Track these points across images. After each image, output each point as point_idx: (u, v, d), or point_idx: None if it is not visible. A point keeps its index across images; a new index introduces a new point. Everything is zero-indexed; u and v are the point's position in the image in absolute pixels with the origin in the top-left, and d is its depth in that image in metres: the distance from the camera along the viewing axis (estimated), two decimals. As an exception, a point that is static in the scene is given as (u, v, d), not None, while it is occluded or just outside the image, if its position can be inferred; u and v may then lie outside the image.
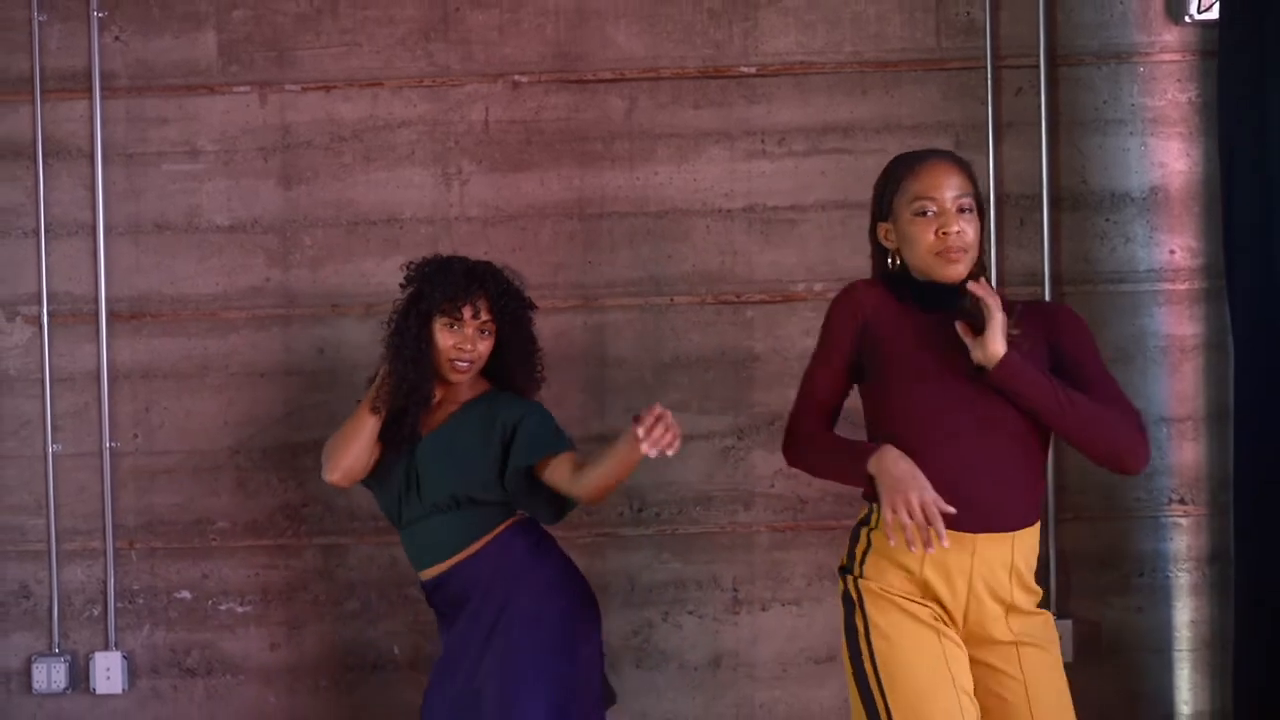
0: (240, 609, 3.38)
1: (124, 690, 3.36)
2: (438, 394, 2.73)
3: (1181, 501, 3.31)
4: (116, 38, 3.34)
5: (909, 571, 2.30)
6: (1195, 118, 3.28)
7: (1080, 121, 3.34)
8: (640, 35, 3.33)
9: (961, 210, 2.32)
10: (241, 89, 3.35)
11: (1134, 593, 3.36)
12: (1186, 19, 3.25)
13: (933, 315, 2.35)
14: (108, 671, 3.33)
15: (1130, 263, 3.34)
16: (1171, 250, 3.32)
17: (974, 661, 2.35)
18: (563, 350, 3.34)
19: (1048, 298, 3.30)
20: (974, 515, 2.27)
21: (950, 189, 2.32)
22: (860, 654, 2.32)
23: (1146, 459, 2.31)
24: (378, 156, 3.36)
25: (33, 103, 3.34)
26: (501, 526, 2.72)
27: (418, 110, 3.34)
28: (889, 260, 2.44)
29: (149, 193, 3.37)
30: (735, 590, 3.35)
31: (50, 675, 3.32)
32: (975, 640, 2.35)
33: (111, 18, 3.33)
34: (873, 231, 2.51)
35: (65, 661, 3.32)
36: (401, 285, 2.76)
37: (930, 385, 2.32)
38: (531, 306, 2.79)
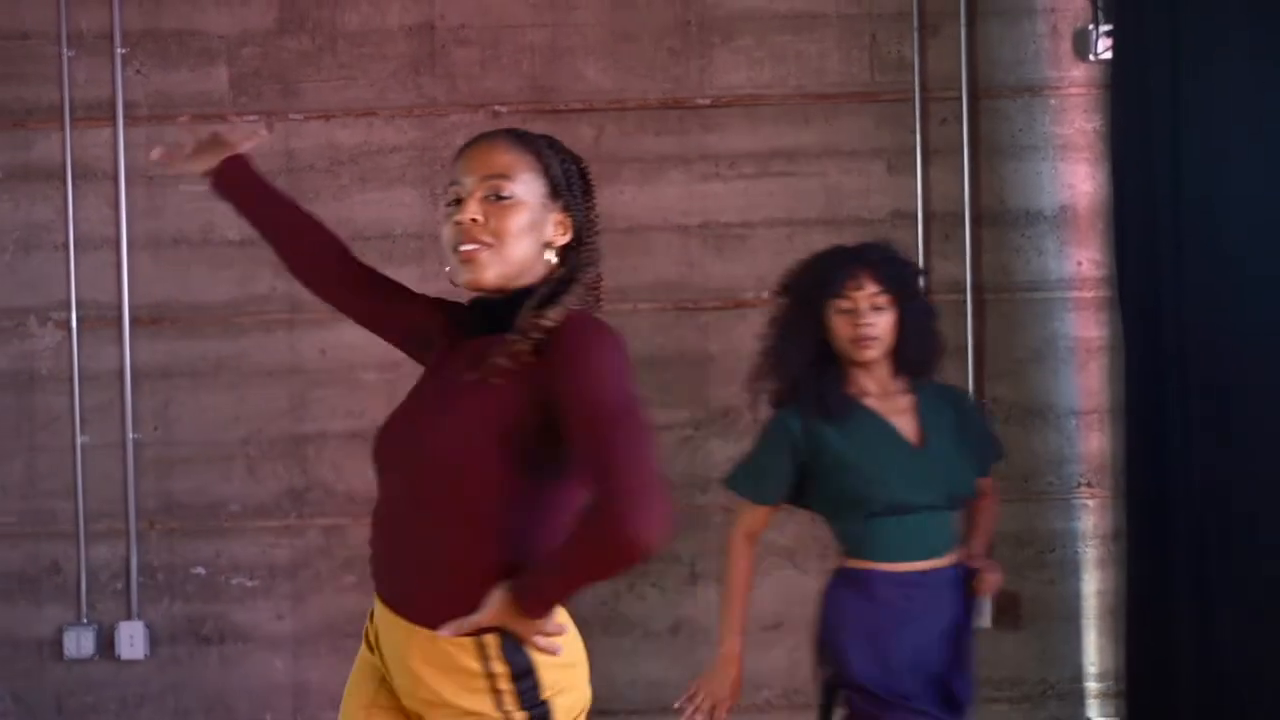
0: (250, 583, 3.66)
1: (145, 656, 3.63)
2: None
3: (1089, 485, 3.65)
4: (138, 71, 3.63)
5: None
6: (1099, 145, 3.59)
7: (998, 148, 3.66)
8: (607, 70, 3.64)
9: (489, 197, 1.73)
10: (250, 118, 3.58)
11: (1047, 567, 3.68)
12: (1091, 57, 3.58)
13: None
14: (131, 639, 3.60)
15: (1043, 273, 3.66)
16: (1079, 262, 3.66)
17: None
18: None
19: (970, 305, 3.61)
20: (379, 576, 1.80)
21: (476, 171, 1.76)
22: None
23: (647, 543, 1.57)
24: (372, 178, 3.64)
25: (62, 130, 3.61)
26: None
27: (408, 137, 3.63)
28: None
29: (167, 211, 3.65)
30: (693, 565, 3.65)
31: (79, 643, 3.59)
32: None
33: (133, 53, 3.62)
34: None
35: (93, 630, 3.61)
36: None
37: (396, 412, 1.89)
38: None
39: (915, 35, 3.62)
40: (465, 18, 3.64)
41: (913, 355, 2.57)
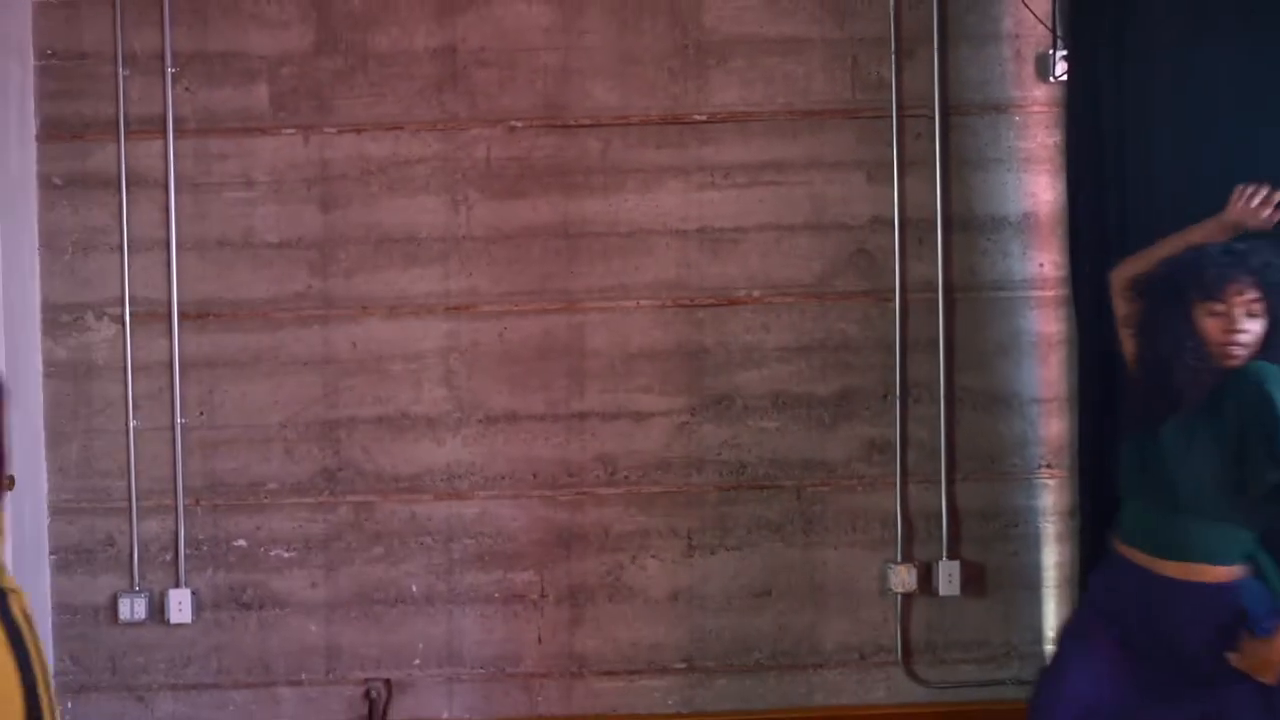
0: (286, 554, 3.83)
1: (192, 620, 3.79)
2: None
3: (1049, 466, 3.87)
4: (186, 89, 3.79)
5: None
6: (1059, 158, 3.78)
7: (967, 160, 3.84)
8: (613, 89, 3.81)
9: None
10: (289, 131, 3.80)
11: (1011, 540, 3.88)
12: (1051, 79, 3.78)
13: None
14: (179, 605, 3.78)
15: (1008, 274, 3.86)
16: (1040, 264, 3.85)
17: None
18: (549, 344, 3.81)
19: (941, 303, 3.80)
20: None
21: None
22: None
23: None
24: (399, 187, 3.80)
25: (117, 142, 3.76)
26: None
27: (432, 149, 3.79)
28: None
29: (212, 216, 3.80)
30: (689, 538, 3.85)
31: (132, 608, 3.78)
32: None
33: (182, 72, 3.77)
34: None
35: (144, 597, 3.79)
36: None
37: None
38: None
39: (892, 58, 3.80)
40: (485, 41, 3.79)
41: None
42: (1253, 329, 2.28)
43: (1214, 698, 2.19)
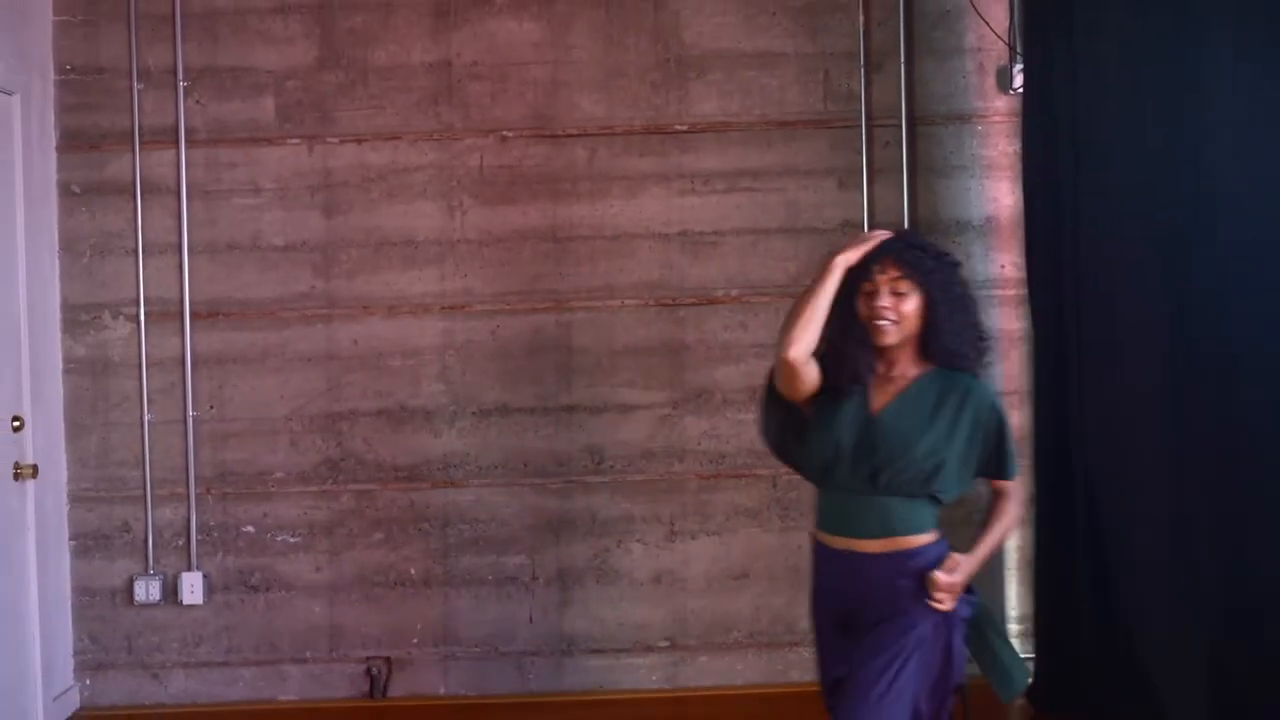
0: (292, 540, 4.02)
1: (204, 602, 3.98)
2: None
3: None
4: (197, 102, 3.98)
5: None
6: (1018, 165, 3.94)
7: (933, 167, 4.02)
8: (599, 101, 3.99)
9: None
10: (293, 141, 3.99)
11: (975, 524, 3.73)
12: (1011, 91, 3.97)
13: None
14: (191, 587, 3.97)
15: (970, 274, 3.80)
16: (1002, 265, 4.04)
17: None
18: (539, 341, 3.99)
19: None
20: None
21: None
22: None
23: None
24: (398, 193, 3.98)
25: (132, 152, 3.96)
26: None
27: (429, 158, 3.98)
28: None
29: (222, 221, 3.99)
30: (671, 524, 4.03)
31: (147, 590, 3.97)
32: None
33: (193, 86, 3.97)
34: None
35: (159, 580, 3.97)
36: None
37: None
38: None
39: (862, 71, 3.99)
40: (478, 56, 3.98)
41: (945, 344, 2.45)
42: (900, 306, 2.42)
43: (912, 633, 2.41)
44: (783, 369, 2.46)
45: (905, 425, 2.45)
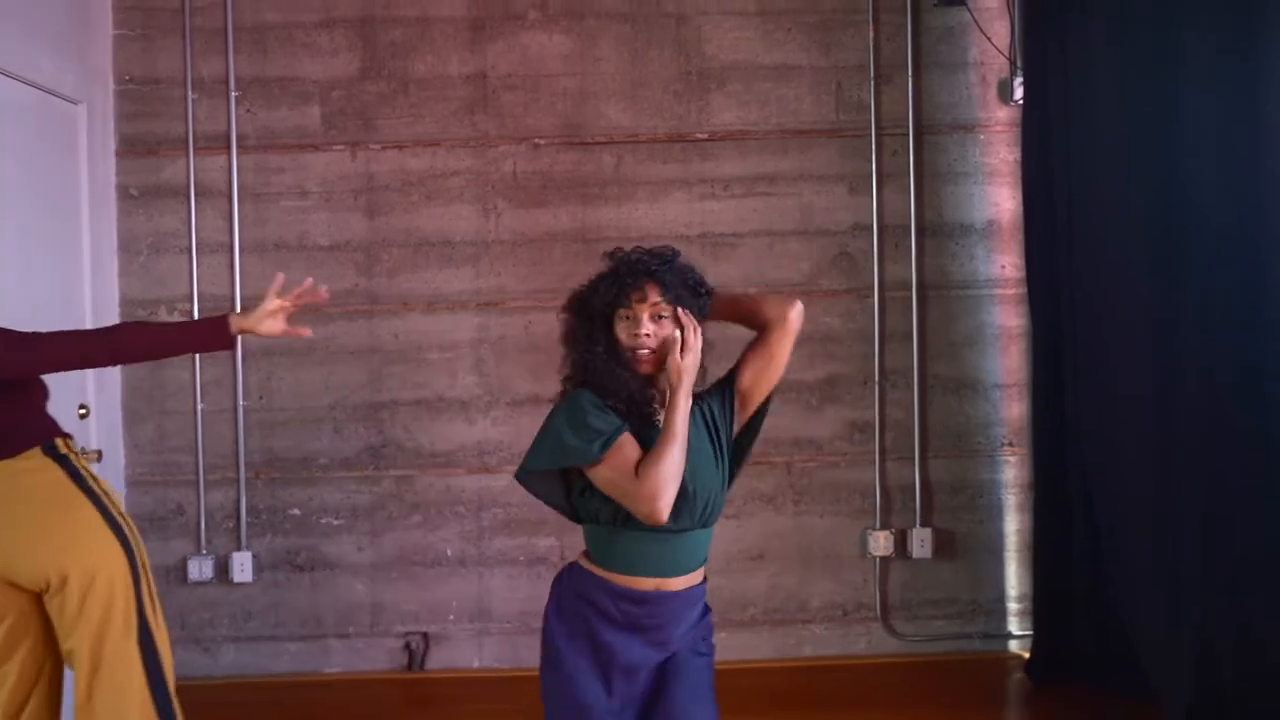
0: (336, 522, 4.21)
1: (253, 580, 4.17)
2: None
3: (1010, 444, 4.26)
4: (248, 110, 4.17)
5: None
6: (1018, 172, 4.15)
7: (938, 174, 4.21)
8: (625, 111, 4.18)
9: None
10: (338, 147, 4.17)
11: (977, 510, 4.27)
12: (1012, 102, 4.16)
13: None
14: (241, 566, 4.17)
15: (974, 274, 4.24)
16: (1002, 266, 4.24)
17: None
18: None
19: (914, 300, 4.18)
20: None
21: None
22: None
23: None
24: (436, 196, 4.17)
25: (187, 157, 4.14)
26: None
27: (465, 164, 4.16)
28: None
29: (270, 222, 4.18)
30: None
31: (200, 569, 4.17)
32: None
33: (244, 95, 4.16)
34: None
35: (210, 559, 4.18)
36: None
37: None
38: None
39: (872, 83, 4.19)
40: (511, 68, 4.18)
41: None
42: (658, 331, 2.29)
43: (671, 658, 2.34)
44: (641, 512, 2.20)
45: (700, 446, 2.34)
